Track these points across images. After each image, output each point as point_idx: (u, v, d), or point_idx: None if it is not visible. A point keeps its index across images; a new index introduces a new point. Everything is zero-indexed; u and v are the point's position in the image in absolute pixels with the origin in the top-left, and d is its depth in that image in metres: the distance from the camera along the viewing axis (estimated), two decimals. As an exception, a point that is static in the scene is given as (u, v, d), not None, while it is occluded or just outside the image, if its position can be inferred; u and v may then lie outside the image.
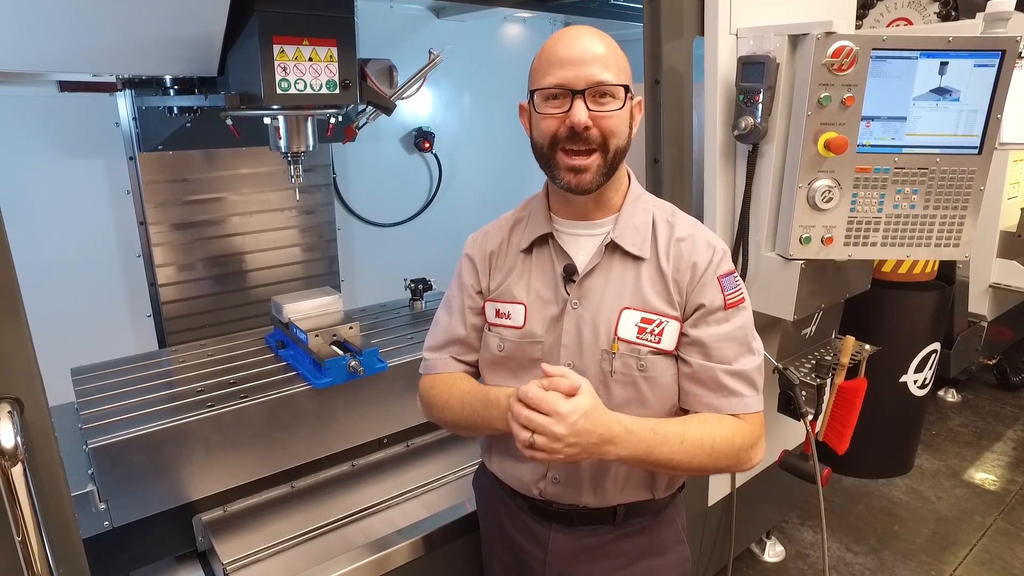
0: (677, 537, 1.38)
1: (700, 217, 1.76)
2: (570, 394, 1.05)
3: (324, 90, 1.56)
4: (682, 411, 1.26)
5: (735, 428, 1.19)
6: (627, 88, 1.15)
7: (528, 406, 1.05)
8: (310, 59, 1.52)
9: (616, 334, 1.20)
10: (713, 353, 1.19)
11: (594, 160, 1.14)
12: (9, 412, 0.90)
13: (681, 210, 1.31)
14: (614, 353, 1.20)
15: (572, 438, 1.03)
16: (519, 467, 1.31)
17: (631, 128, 1.20)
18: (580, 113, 1.11)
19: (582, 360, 1.23)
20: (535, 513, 1.33)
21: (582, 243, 1.26)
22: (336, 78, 1.57)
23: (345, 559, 1.54)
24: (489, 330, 1.32)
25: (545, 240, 1.28)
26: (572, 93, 1.11)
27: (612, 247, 1.23)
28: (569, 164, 1.15)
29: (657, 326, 1.20)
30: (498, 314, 1.30)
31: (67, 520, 1.05)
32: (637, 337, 1.20)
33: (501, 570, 1.44)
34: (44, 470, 1.00)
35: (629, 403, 1.21)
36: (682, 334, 1.22)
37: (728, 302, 1.21)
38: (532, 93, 1.17)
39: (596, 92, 1.12)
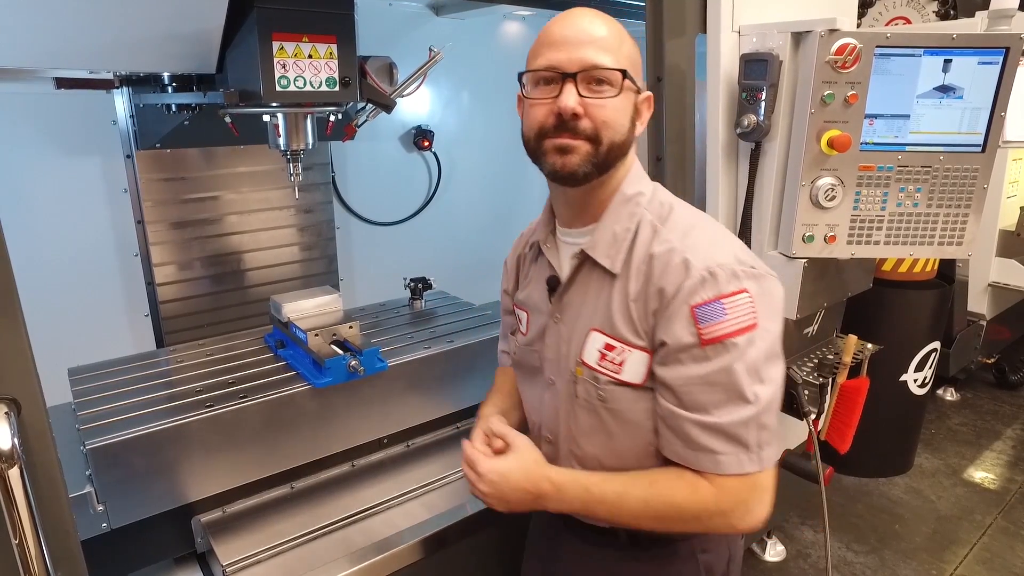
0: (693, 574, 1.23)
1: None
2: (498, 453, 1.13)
3: (324, 87, 1.55)
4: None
5: (691, 493, 1.00)
6: (625, 73, 1.02)
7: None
8: (310, 56, 1.51)
9: (580, 357, 1.11)
10: (684, 399, 1.00)
11: (583, 144, 1.02)
12: (6, 413, 0.89)
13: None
14: (578, 377, 1.12)
15: (495, 493, 1.09)
16: None
17: (634, 123, 1.07)
18: (568, 98, 0.99)
19: (559, 378, 1.16)
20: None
21: (565, 252, 1.17)
22: (336, 75, 1.55)
23: (346, 560, 1.53)
24: (512, 334, 1.35)
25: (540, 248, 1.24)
26: (563, 76, 1.00)
27: (586, 259, 1.11)
28: (556, 143, 1.02)
29: (618, 354, 1.06)
30: (517, 320, 1.31)
31: (65, 522, 1.04)
32: (598, 363, 1.08)
33: (535, 557, 1.43)
34: (41, 471, 0.99)
35: (595, 431, 1.12)
36: (652, 370, 1.05)
37: (705, 337, 0.97)
38: (522, 77, 1.07)
39: (591, 77, 1.00)
